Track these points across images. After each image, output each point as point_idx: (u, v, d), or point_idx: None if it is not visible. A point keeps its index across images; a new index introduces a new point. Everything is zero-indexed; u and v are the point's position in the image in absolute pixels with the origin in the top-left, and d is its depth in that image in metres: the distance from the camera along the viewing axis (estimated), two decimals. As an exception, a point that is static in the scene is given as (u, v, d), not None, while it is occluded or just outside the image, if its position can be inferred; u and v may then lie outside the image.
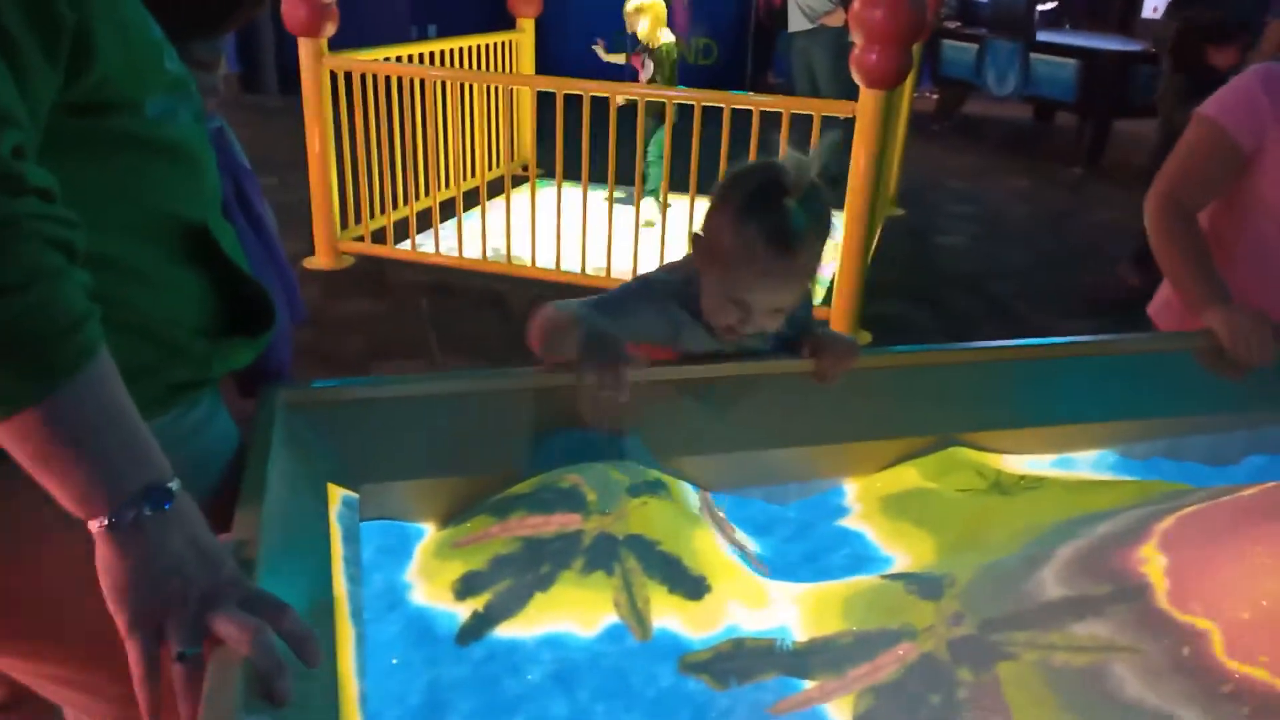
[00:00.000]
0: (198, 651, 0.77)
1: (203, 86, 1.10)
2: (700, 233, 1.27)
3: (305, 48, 4.02)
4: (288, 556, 0.99)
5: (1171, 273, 1.66)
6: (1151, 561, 0.99)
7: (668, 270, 1.39)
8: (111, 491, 0.76)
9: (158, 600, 0.77)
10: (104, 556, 0.77)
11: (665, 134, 4.12)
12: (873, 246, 4.30)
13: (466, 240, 4.22)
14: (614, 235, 3.96)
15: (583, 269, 4.03)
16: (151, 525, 0.77)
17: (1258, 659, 0.86)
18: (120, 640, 0.77)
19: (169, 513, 0.78)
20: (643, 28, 4.94)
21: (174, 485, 0.79)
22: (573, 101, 3.84)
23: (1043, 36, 7.59)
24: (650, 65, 5.02)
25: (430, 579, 1.14)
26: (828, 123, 3.90)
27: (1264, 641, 0.87)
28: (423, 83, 4.14)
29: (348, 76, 4.11)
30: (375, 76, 4.13)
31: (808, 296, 1.39)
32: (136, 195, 0.91)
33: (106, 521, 0.76)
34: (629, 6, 4.97)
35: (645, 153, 4.25)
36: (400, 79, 4.14)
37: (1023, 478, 1.33)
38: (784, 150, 1.22)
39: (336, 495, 1.18)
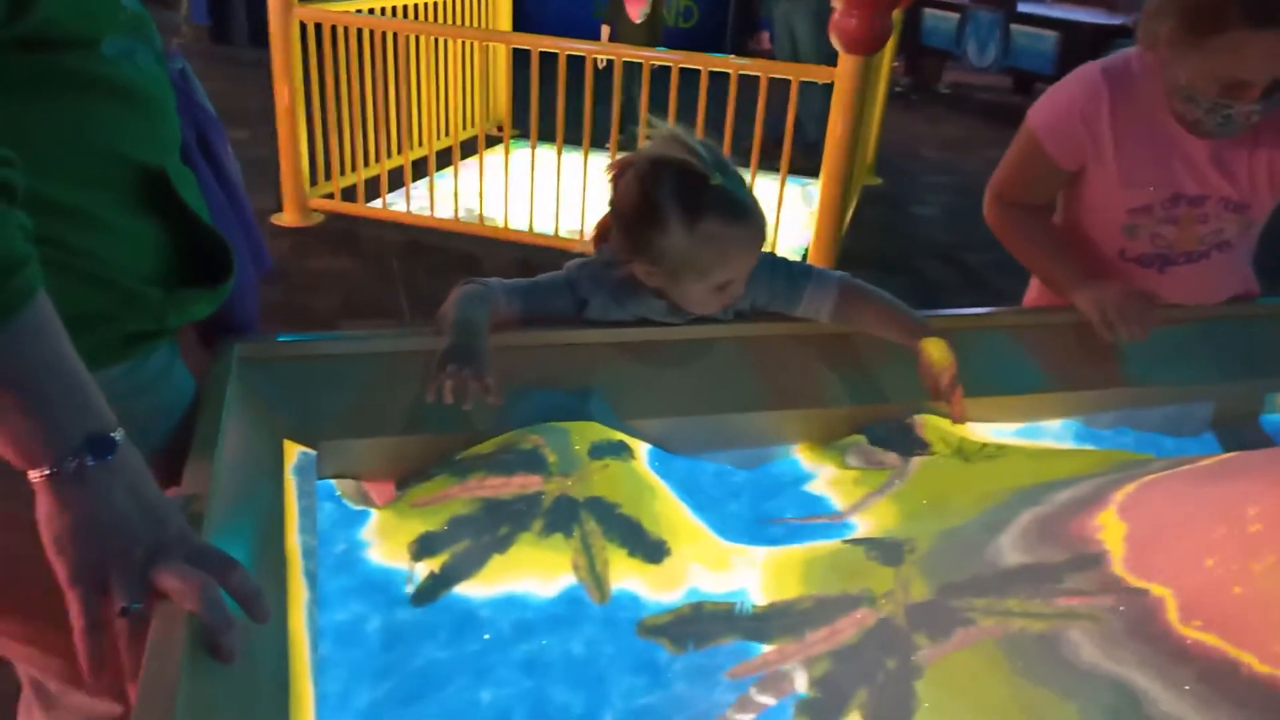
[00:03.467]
0: (141, 607, 0.75)
1: (163, 25, 1.06)
2: (644, 262, 1.26)
3: (274, -3, 3.92)
4: (239, 512, 0.97)
5: (1030, 264, 1.69)
6: (1109, 529, 0.99)
7: (580, 262, 1.37)
8: (52, 440, 0.74)
9: (100, 554, 0.75)
10: (44, 507, 0.75)
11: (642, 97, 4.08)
12: (849, 214, 4.29)
13: (439, 200, 4.17)
14: (588, 197, 3.92)
15: (556, 231, 3.99)
16: (94, 476, 0.75)
17: (1209, 624, 0.87)
18: (63, 593, 0.75)
19: (112, 464, 0.76)
20: None
21: (118, 436, 0.77)
22: (549, 61, 3.78)
23: (1023, 8, 7.56)
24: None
25: (387, 538, 1.13)
26: (806, 88, 3.88)
27: (1215, 607, 0.88)
28: (396, 37, 4.05)
29: (318, 28, 4.01)
30: (347, 29, 4.04)
31: (773, 259, 1.37)
32: (91, 138, 0.88)
33: (47, 471, 0.74)
34: None
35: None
36: (373, 32, 4.06)
37: (985, 445, 1.33)
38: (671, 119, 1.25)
39: (293, 452, 1.16)
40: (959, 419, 1.34)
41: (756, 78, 3.62)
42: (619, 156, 1.33)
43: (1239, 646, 0.85)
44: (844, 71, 3.41)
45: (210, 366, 1.17)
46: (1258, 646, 0.84)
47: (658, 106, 3.75)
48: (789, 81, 3.65)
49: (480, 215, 4.13)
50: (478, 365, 1.16)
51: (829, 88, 3.48)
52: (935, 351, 1.31)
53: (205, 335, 1.27)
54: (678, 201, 1.20)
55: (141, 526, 0.77)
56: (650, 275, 1.27)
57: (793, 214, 4.35)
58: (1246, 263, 1.71)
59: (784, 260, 1.38)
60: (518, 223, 4.07)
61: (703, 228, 1.20)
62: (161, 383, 1.05)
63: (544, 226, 4.02)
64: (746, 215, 1.22)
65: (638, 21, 5.17)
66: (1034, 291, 1.84)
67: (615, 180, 1.30)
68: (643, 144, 1.27)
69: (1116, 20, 7.16)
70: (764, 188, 3.88)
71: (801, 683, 0.98)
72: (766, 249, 1.30)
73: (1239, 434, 1.51)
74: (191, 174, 1.07)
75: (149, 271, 0.96)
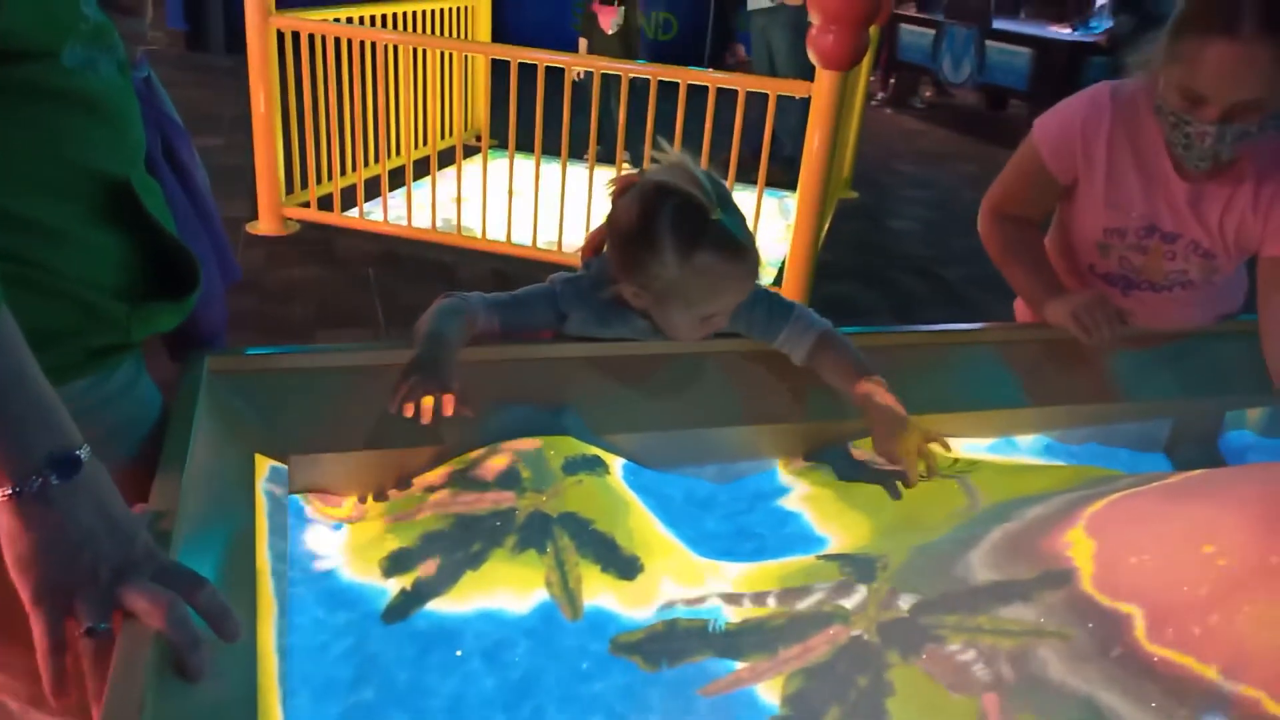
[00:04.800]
0: (107, 627, 0.74)
1: (126, 33, 1.05)
2: (633, 285, 1.27)
3: (251, 5, 3.90)
4: (208, 528, 0.96)
5: (1010, 276, 1.72)
6: (1078, 546, 1.00)
7: (566, 276, 1.37)
8: (14, 459, 0.73)
9: (65, 573, 0.74)
10: (7, 526, 0.73)
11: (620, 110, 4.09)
12: (825, 228, 4.32)
13: (416, 210, 4.15)
14: (565, 209, 3.92)
15: (533, 242, 3.99)
16: (59, 495, 0.74)
17: (1176, 642, 0.88)
18: (27, 612, 0.74)
19: (77, 482, 0.75)
20: None
21: (83, 453, 0.76)
22: (528, 72, 3.78)
23: (998, 24, 7.66)
24: (620, 11, 5.00)
25: (359, 555, 1.12)
26: (783, 102, 3.91)
27: (1182, 625, 0.89)
28: (374, 46, 4.04)
29: (295, 36, 4.00)
30: (324, 38, 4.02)
31: (760, 299, 1.37)
32: (52, 150, 0.87)
33: (10, 490, 0.73)
34: None
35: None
36: (350, 41, 4.04)
37: (957, 460, 1.33)
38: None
39: (264, 466, 1.15)
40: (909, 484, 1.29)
41: (734, 91, 3.64)
42: (622, 174, 1.34)
43: (1204, 663, 0.86)
44: (821, 87, 3.44)
45: (179, 379, 1.16)
46: (1223, 663, 0.85)
47: (636, 119, 3.76)
48: (767, 95, 3.67)
49: (458, 225, 4.13)
50: (441, 379, 1.14)
51: (806, 102, 3.51)
52: (906, 441, 1.27)
53: (172, 346, 1.26)
54: (675, 231, 1.21)
55: (108, 545, 0.76)
56: (637, 297, 1.28)
57: (770, 227, 4.37)
58: (1213, 305, 1.73)
59: (768, 294, 1.38)
60: (495, 233, 4.06)
61: (697, 261, 1.21)
62: (127, 396, 1.04)
63: (521, 237, 4.01)
64: (742, 253, 1.23)
65: (610, 33, 5.20)
66: (1023, 307, 1.86)
67: (615, 197, 1.30)
68: (648, 166, 1.27)
69: (1089, 38, 7.26)
70: (741, 201, 3.91)
71: (774, 700, 0.98)
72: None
73: (1203, 451, 1.53)
74: (157, 184, 1.05)
75: (113, 285, 0.95)
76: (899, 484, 1.30)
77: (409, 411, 1.13)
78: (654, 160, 1.27)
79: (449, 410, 1.15)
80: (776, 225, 4.54)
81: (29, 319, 0.75)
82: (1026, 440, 1.48)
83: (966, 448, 1.42)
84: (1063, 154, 1.61)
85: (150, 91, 1.28)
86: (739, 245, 1.23)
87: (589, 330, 1.34)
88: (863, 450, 1.37)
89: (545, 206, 3.97)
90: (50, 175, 0.87)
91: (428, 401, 1.14)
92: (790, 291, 3.76)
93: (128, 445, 1.04)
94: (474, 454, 1.22)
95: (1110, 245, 1.64)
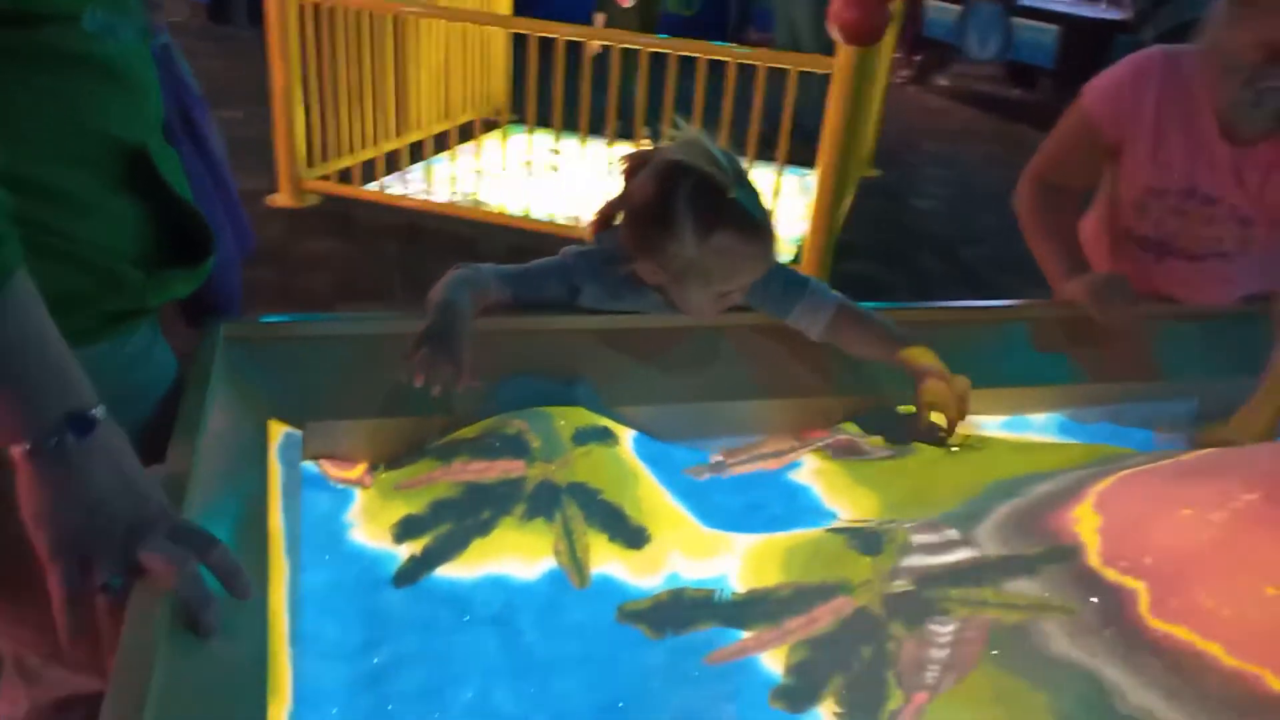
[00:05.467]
0: (122, 583, 0.76)
1: (148, 0, 1.06)
2: (649, 262, 1.26)
3: (272, -23, 3.90)
4: (222, 491, 0.98)
5: (1035, 248, 1.72)
6: (1085, 522, 1.00)
7: (579, 250, 1.37)
8: (32, 417, 0.75)
9: (82, 529, 0.76)
10: (25, 482, 0.75)
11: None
12: (847, 206, 4.29)
13: (436, 184, 4.16)
14: (585, 184, 3.92)
15: (552, 217, 3.99)
16: (75, 453, 0.75)
17: (1179, 617, 0.88)
18: (44, 567, 0.76)
19: (93, 441, 0.77)
20: None
21: (98, 413, 0.78)
22: (547, 46, 3.77)
23: (1025, 1, 7.54)
24: None
25: (370, 520, 1.13)
26: (805, 79, 3.88)
27: (1186, 600, 0.89)
28: (395, 19, 4.03)
29: (316, 9, 4.00)
30: (345, 10, 4.02)
31: (774, 274, 1.36)
32: (70, 116, 0.87)
33: (27, 447, 0.74)
34: None
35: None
36: (370, 14, 4.04)
37: (968, 437, 1.33)
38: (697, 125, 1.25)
39: (278, 432, 1.16)
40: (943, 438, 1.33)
41: (755, 67, 3.62)
42: (635, 150, 1.32)
43: (1208, 639, 0.86)
44: (842, 62, 3.40)
45: (195, 346, 1.17)
46: (1226, 639, 0.85)
47: (655, 95, 3.74)
48: (788, 71, 3.64)
49: (476, 200, 4.13)
50: (452, 350, 1.15)
51: (828, 78, 3.48)
52: (937, 392, 1.30)
53: (188, 314, 1.27)
54: (693, 210, 1.20)
55: (123, 503, 0.77)
56: (653, 275, 1.28)
57: (790, 205, 4.35)
58: (1245, 281, 1.72)
59: (782, 269, 1.37)
60: (514, 208, 4.06)
61: (715, 240, 1.20)
62: (143, 362, 1.05)
63: (540, 212, 4.01)
64: (759, 231, 1.23)
65: (626, 6, 5.14)
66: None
67: (628, 174, 1.29)
68: (665, 143, 1.27)
69: (1117, 15, 7.14)
70: (761, 179, 3.88)
71: (778, 670, 0.99)
72: None
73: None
74: (174, 152, 1.06)
75: (130, 251, 0.96)
76: (941, 434, 1.33)
77: (419, 381, 1.14)
78: (670, 137, 1.25)
79: (460, 383, 1.16)
80: (798, 203, 4.51)
81: (47, 284, 0.76)
82: (1040, 418, 1.48)
83: (981, 425, 1.42)
84: (1110, 112, 1.63)
85: (168, 59, 1.28)
86: (756, 224, 1.22)
87: (602, 304, 1.34)
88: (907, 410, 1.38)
89: (565, 181, 3.96)
90: (69, 142, 0.88)
91: (438, 373, 1.15)
92: (809, 270, 3.75)
93: (143, 409, 1.05)
94: (485, 423, 1.23)
95: (1149, 205, 1.64)
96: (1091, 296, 1.49)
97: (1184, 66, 1.57)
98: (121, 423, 0.81)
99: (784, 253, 4.00)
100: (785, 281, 1.36)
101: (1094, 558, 0.96)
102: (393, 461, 1.23)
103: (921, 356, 1.32)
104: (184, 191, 1.03)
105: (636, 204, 1.26)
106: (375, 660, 0.98)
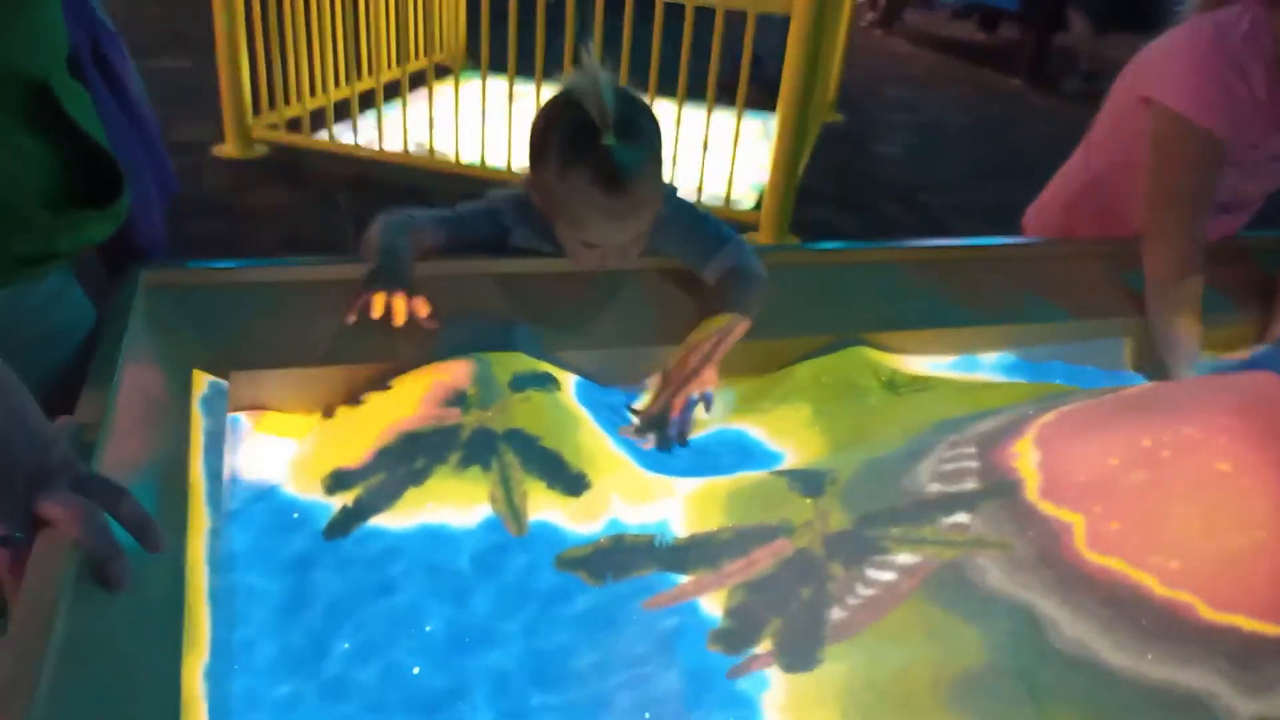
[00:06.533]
0: (23, 536, 0.73)
1: None
2: (531, 190, 1.24)
3: (213, -85, 3.74)
4: (137, 442, 0.94)
5: (1175, 334, 1.45)
6: (1024, 457, 0.99)
7: (504, 192, 1.35)
8: None
9: None
10: None
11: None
12: (808, 152, 4.24)
13: (387, 133, 4.06)
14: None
15: (509, 165, 3.91)
16: None
17: (1114, 549, 0.87)
18: None
19: None
20: None
21: None
22: (500, -13, 3.66)
23: (991, -57, 7.45)
24: None
25: (301, 472, 1.10)
26: (765, 22, 3.80)
27: (1122, 533, 0.88)
28: (341, -40, 3.89)
29: (259, -50, 3.85)
30: (289, -49, 3.87)
31: (696, 220, 1.33)
32: None
33: None
34: None
35: None
36: (317, -45, 3.89)
37: (915, 378, 1.32)
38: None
39: (202, 381, 1.12)
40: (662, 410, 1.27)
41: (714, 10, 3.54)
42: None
43: (1140, 569, 0.85)
44: (801, 4, 3.33)
45: (113, 292, 1.12)
46: (1159, 570, 0.85)
47: (612, 39, 3.65)
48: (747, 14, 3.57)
49: (430, 149, 4.04)
50: (406, 285, 1.15)
51: (789, 25, 3.41)
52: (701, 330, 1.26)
53: (109, 262, 1.22)
54: (561, 144, 1.16)
55: (22, 452, 0.73)
56: (540, 205, 1.24)
57: (751, 150, 4.30)
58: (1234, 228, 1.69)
59: (704, 221, 1.33)
60: (469, 156, 3.98)
61: (572, 180, 1.16)
62: (53, 307, 1.01)
63: (496, 160, 3.93)
64: (617, 188, 1.14)
65: None
66: (1035, 221, 1.83)
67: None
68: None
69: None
70: (721, 123, 3.82)
71: (717, 612, 0.98)
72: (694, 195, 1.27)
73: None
74: (82, 89, 1.01)
75: (36, 191, 0.91)
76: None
77: (378, 313, 1.12)
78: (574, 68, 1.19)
79: (422, 310, 1.15)
80: (759, 148, 4.46)
81: None
82: (990, 358, 1.46)
83: (929, 365, 1.41)
84: (1219, 118, 1.40)
85: None
86: (617, 179, 1.14)
87: (531, 245, 1.31)
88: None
89: (523, 129, 3.87)
90: None
91: (399, 303, 1.13)
92: (769, 216, 3.71)
93: (54, 357, 1.01)
94: (420, 371, 1.19)
95: (1231, 175, 1.50)
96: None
97: (1236, 31, 1.40)
98: (32, 369, 0.77)
99: (747, 199, 3.97)
100: (703, 235, 1.32)
101: (1032, 492, 0.95)
102: (325, 411, 1.20)
103: (707, 324, 1.28)
104: (94, 130, 0.98)
105: (532, 126, 1.23)
106: (304, 613, 0.95)
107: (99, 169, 0.99)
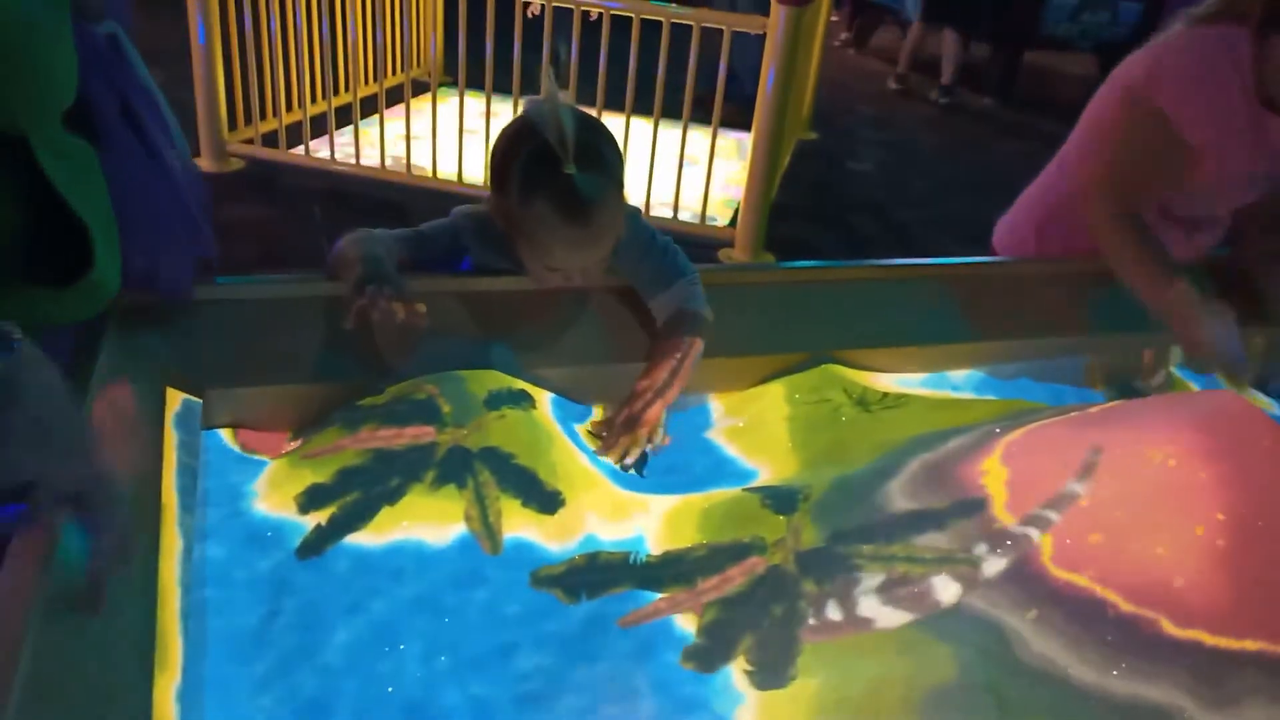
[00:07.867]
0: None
1: None
2: (494, 213, 1.25)
3: (188, -71, 3.73)
4: (109, 459, 0.93)
5: (1130, 271, 1.51)
6: (992, 474, 1.01)
7: (467, 210, 1.36)
8: None
9: None
10: None
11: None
12: (782, 169, 4.28)
13: (364, 148, 4.05)
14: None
15: (486, 181, 3.91)
16: None
17: (1080, 566, 0.89)
18: None
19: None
20: None
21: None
22: (479, 6, 3.67)
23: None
24: None
25: (275, 490, 1.09)
26: (742, 40, 3.83)
27: (1088, 549, 0.90)
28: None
29: (236, -36, 3.84)
30: (266, -34, 3.86)
31: (650, 248, 1.34)
32: None
33: None
34: None
35: None
36: (293, -30, 3.89)
37: (886, 395, 1.33)
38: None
39: (176, 399, 1.12)
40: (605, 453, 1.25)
41: (691, 27, 3.57)
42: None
43: (1106, 587, 0.87)
44: (776, 22, 3.37)
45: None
46: (1124, 586, 0.86)
47: (589, 55, 3.68)
48: (723, 32, 3.60)
49: (407, 163, 4.03)
50: (399, 288, 1.15)
51: (764, 43, 3.44)
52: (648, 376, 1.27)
53: None
54: (523, 173, 1.17)
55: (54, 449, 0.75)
56: (503, 227, 1.25)
57: (726, 167, 4.33)
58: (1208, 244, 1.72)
59: (660, 252, 1.33)
60: (446, 171, 3.98)
61: (534, 208, 1.17)
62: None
63: (474, 175, 3.94)
64: (579, 216, 1.16)
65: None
66: (1003, 239, 1.84)
67: None
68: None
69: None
70: (697, 141, 3.85)
71: (690, 629, 0.98)
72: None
73: (1139, 386, 1.54)
74: (87, 146, 0.95)
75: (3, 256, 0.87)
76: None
77: (378, 315, 1.12)
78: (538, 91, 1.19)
79: (420, 310, 1.15)
80: (733, 165, 4.49)
81: None
82: (960, 375, 1.48)
83: (899, 382, 1.42)
84: (1194, 115, 1.44)
85: (115, 51, 1.16)
86: (577, 208, 1.15)
87: (490, 264, 1.32)
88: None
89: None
90: None
91: (398, 304, 1.13)
92: (744, 232, 3.74)
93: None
94: (395, 388, 1.19)
95: (1220, 190, 1.56)
96: (1219, 354, 1.36)
97: (1238, 45, 1.42)
98: None
99: (722, 215, 3.99)
100: (660, 267, 1.32)
101: (1000, 509, 0.96)
102: (299, 429, 1.20)
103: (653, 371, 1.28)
104: (84, 191, 0.92)
105: (494, 148, 1.24)
106: (278, 633, 0.95)
107: (74, 240, 0.92)
